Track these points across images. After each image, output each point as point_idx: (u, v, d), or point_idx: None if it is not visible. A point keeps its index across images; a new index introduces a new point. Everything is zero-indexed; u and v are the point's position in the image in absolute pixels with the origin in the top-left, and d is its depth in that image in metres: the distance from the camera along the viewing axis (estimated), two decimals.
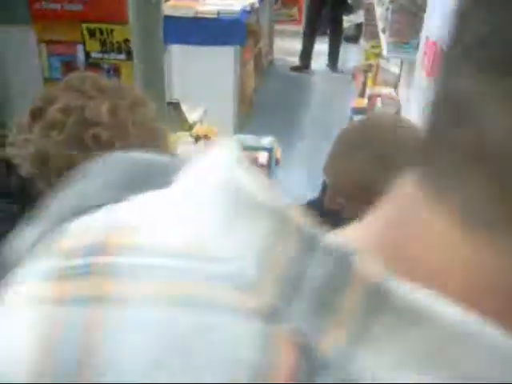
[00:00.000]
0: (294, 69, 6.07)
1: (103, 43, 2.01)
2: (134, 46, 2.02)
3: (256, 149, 2.37)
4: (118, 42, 2.01)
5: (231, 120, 3.89)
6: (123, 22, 1.97)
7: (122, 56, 2.02)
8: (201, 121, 2.94)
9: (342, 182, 1.07)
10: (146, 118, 0.95)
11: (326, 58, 6.30)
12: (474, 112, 0.20)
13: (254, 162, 2.06)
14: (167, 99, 2.59)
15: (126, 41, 1.99)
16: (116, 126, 0.90)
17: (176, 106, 2.60)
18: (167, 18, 2.63)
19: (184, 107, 2.97)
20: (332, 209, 1.09)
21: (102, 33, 1.99)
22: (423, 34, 2.75)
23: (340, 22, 6.31)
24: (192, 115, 2.94)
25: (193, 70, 3.65)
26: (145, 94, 1.04)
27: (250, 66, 4.43)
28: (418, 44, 2.84)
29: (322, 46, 6.38)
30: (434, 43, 2.32)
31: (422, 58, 3.18)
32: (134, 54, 2.01)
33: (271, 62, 6.23)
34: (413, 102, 3.38)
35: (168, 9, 3.30)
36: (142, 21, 2.02)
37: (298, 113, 4.68)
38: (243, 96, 4.03)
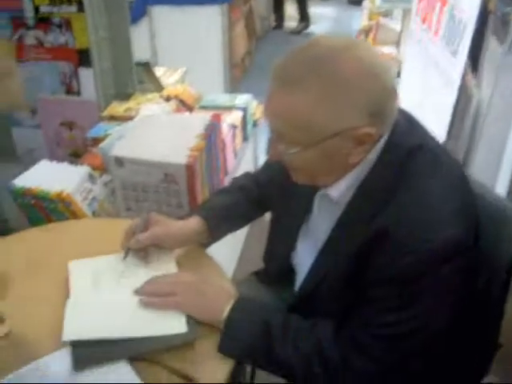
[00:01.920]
0: (294, 32, 5.87)
1: None
2: None
3: (228, 108, 2.21)
4: None
5: (221, 84, 3.71)
6: None
7: (73, 8, 1.86)
8: (181, 82, 2.78)
9: None
10: None
11: (329, 21, 6.06)
12: None
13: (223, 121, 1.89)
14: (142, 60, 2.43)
15: None
16: None
17: (146, 66, 2.44)
18: None
19: (162, 69, 2.81)
20: None
21: None
22: None
23: None
24: (172, 77, 2.78)
25: (178, 32, 3.48)
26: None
27: (240, 26, 4.21)
28: None
29: (325, 9, 6.12)
30: None
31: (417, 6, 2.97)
32: (86, 4, 1.84)
33: (270, 27, 6.02)
34: (411, 53, 3.17)
35: None
36: None
37: None
38: (234, 59, 3.83)
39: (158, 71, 2.73)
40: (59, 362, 0.98)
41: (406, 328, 0.94)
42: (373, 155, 0.96)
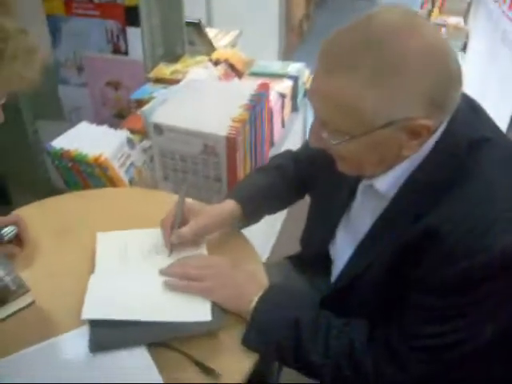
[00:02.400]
0: None
1: None
2: None
3: (279, 76, 2.10)
4: None
5: (276, 50, 3.59)
6: None
7: None
8: (232, 45, 2.68)
9: None
10: None
11: None
12: None
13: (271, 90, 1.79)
14: (191, 19, 2.34)
15: None
16: None
17: (197, 26, 2.34)
18: None
19: (214, 31, 2.72)
20: None
21: None
22: None
23: None
24: (223, 39, 2.68)
25: None
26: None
27: None
28: None
29: None
30: None
31: None
32: None
33: None
34: (480, 27, 2.96)
35: None
36: None
37: None
38: (290, 22, 3.68)
39: (210, 32, 2.63)
40: (76, 341, 0.95)
41: (450, 340, 0.84)
42: (427, 145, 0.86)
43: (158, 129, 1.45)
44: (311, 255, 1.20)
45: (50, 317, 1.02)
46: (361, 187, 1.01)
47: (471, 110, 0.89)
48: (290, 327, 0.94)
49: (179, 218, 1.11)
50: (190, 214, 1.12)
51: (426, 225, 0.83)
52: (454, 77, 0.80)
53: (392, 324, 0.90)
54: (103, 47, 2.01)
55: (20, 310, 1.04)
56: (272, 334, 0.94)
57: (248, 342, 0.95)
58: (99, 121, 2.18)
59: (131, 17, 1.93)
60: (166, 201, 1.22)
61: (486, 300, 0.81)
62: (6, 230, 1.14)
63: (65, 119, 2.25)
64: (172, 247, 1.11)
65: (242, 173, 1.48)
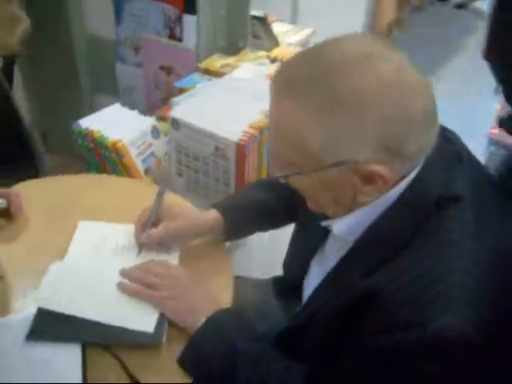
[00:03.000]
0: (458, 6, 5.27)
1: None
2: None
3: None
4: None
5: None
6: None
7: None
8: (303, 44, 2.61)
9: None
10: None
11: None
12: None
13: None
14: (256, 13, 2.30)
15: None
16: None
17: (262, 20, 2.29)
18: None
19: (286, 27, 2.66)
20: None
21: None
22: None
23: None
24: (294, 36, 2.61)
25: None
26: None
27: None
28: None
29: None
30: None
31: None
32: None
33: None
34: None
35: None
36: None
37: (447, 59, 4.05)
38: (375, 27, 3.54)
39: (281, 28, 2.58)
40: (21, 325, 0.95)
41: None
42: (392, 194, 0.77)
43: (176, 123, 1.43)
44: (289, 281, 1.14)
45: (13, 295, 1.04)
46: None
47: (452, 158, 0.79)
48: (227, 357, 0.89)
49: (153, 218, 1.09)
50: (166, 215, 1.10)
51: (369, 285, 0.75)
52: (415, 120, 0.70)
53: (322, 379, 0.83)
54: (160, 31, 2.02)
55: None
56: (207, 360, 0.90)
57: (182, 362, 0.92)
58: (150, 103, 2.22)
59: (189, 4, 1.92)
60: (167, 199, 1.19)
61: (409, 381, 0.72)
62: None
63: (119, 97, 2.30)
64: (142, 247, 1.09)
65: (252, 180, 1.44)
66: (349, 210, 0.81)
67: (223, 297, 1.03)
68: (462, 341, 0.67)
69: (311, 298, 0.93)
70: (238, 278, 1.43)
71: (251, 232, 1.19)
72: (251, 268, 1.45)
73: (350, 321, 0.78)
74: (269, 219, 1.19)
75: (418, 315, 0.69)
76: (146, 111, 1.75)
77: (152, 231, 1.07)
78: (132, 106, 1.72)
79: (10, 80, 1.81)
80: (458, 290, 0.69)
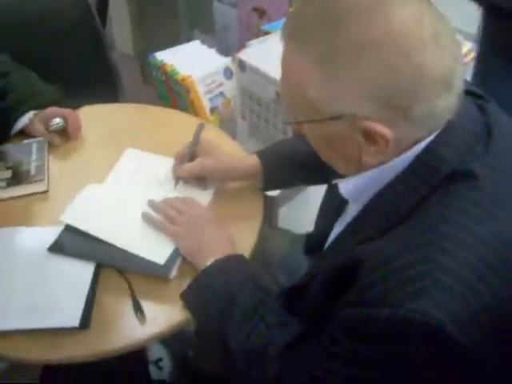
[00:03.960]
0: None
1: None
2: None
3: None
4: None
5: None
6: None
7: None
8: None
9: None
10: None
11: None
12: None
13: None
14: None
15: None
16: None
17: None
18: None
19: None
20: None
21: None
22: None
23: None
24: None
25: None
26: None
27: None
28: None
29: None
30: None
31: None
32: None
33: None
34: None
35: None
36: None
37: None
38: None
39: None
40: (43, 236, 1.01)
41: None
42: (402, 160, 0.71)
43: (242, 65, 1.41)
44: (316, 240, 1.11)
45: (53, 209, 1.10)
46: None
47: (480, 130, 0.71)
48: (225, 301, 0.89)
49: (190, 153, 1.10)
50: (201, 152, 1.11)
51: (358, 253, 0.70)
52: (427, 79, 0.63)
53: (306, 346, 0.80)
54: None
55: (32, 194, 1.14)
56: (204, 302, 0.91)
57: (185, 298, 0.93)
58: (241, 44, 2.21)
59: None
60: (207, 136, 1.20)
61: (373, 365, 0.67)
62: (54, 120, 1.24)
63: (215, 35, 2.30)
64: (178, 180, 1.11)
65: None
66: (358, 170, 0.76)
67: (245, 242, 1.03)
68: (435, 330, 0.60)
69: (319, 259, 0.90)
70: (279, 230, 1.43)
71: (289, 184, 1.17)
72: (296, 222, 1.43)
73: (335, 289, 0.74)
74: (307, 173, 1.14)
75: (391, 294, 0.63)
76: (236, 52, 1.74)
77: (186, 165, 1.09)
78: (226, 46, 1.71)
79: (104, 16, 1.90)
80: (444, 276, 0.62)
